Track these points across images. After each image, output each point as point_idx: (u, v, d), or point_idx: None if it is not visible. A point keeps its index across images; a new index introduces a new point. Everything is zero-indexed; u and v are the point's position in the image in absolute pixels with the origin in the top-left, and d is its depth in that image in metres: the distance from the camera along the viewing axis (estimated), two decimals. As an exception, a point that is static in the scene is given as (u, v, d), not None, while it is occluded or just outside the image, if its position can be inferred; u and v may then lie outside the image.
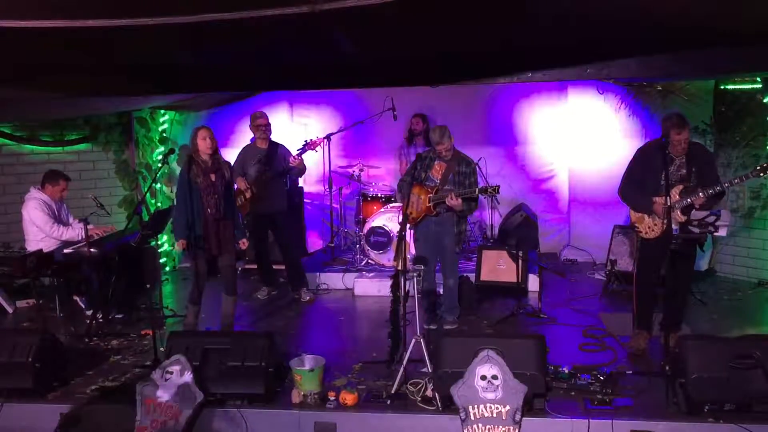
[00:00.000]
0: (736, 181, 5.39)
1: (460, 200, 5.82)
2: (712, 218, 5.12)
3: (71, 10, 3.42)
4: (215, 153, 5.78)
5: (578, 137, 8.76)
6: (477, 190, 5.88)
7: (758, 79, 7.21)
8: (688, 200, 5.11)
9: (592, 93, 8.37)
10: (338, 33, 3.97)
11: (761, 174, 5.01)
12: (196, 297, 5.92)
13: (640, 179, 5.40)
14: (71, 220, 6.86)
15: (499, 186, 5.91)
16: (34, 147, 8.06)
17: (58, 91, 5.55)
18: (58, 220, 6.71)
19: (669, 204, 4.77)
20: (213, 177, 5.73)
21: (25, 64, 4.67)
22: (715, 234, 5.24)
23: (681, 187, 5.21)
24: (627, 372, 5.02)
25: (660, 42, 4.48)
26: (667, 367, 4.55)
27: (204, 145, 5.68)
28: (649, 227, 5.39)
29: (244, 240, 5.97)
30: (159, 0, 3.36)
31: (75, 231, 6.61)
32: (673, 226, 5.02)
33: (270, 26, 3.59)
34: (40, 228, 6.55)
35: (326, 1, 3.25)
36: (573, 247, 8.85)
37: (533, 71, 4.90)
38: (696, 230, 5.18)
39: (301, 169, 7.20)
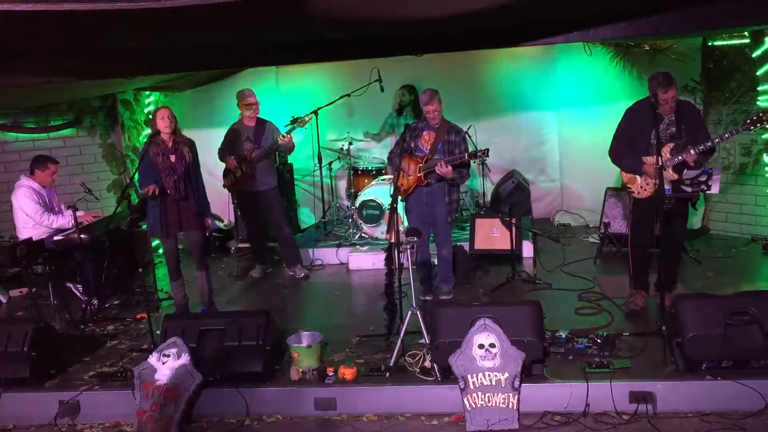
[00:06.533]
0: (726, 136, 5.35)
1: (450, 168, 5.77)
2: (704, 176, 5.10)
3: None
4: (175, 133, 5.75)
5: (567, 101, 8.71)
6: (466, 155, 5.84)
7: (746, 34, 7.14)
8: (680, 158, 5.09)
9: (580, 55, 8.28)
10: (319, 21, 3.93)
11: (751, 128, 5.00)
12: (173, 273, 6.02)
13: (630, 139, 5.37)
14: (63, 207, 6.79)
15: (488, 149, 5.86)
16: (19, 134, 7.96)
17: (38, 76, 5.48)
18: (49, 207, 6.64)
19: (660, 164, 4.74)
20: (173, 158, 5.70)
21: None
22: (708, 192, 5.22)
23: (671, 145, 5.18)
24: (624, 334, 5.03)
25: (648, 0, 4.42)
26: (663, 327, 4.57)
27: (162, 124, 5.67)
28: (641, 187, 5.37)
29: (208, 219, 5.99)
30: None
31: (66, 218, 6.55)
32: (666, 186, 4.99)
33: (252, 8, 3.52)
34: (30, 216, 6.49)
35: None
36: (566, 211, 8.84)
37: (517, 38, 4.84)
38: (689, 189, 5.16)
39: (290, 147, 7.13)
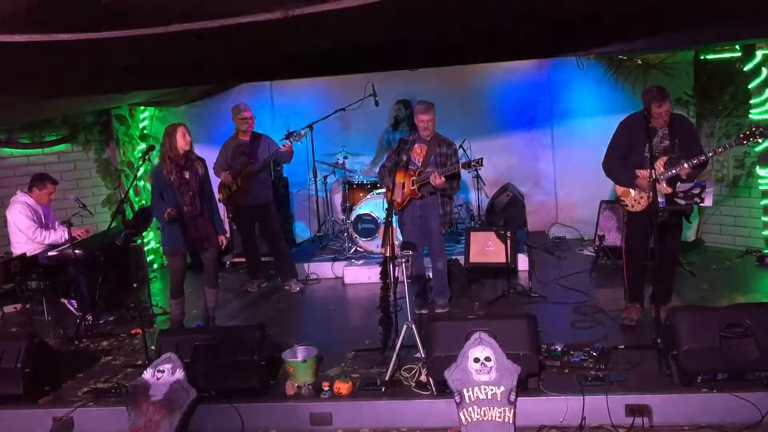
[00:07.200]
0: (719, 150, 5.42)
1: (443, 179, 5.80)
2: (697, 189, 5.12)
3: (43, 25, 3.37)
4: (190, 150, 5.75)
5: (561, 114, 8.75)
6: (460, 165, 5.86)
7: (737, 47, 7.20)
8: (673, 171, 5.12)
9: (573, 70, 8.33)
10: (313, 34, 3.94)
11: (744, 142, 5.03)
12: (176, 291, 5.96)
13: (624, 152, 5.39)
14: (57, 224, 6.78)
15: (482, 158, 5.88)
16: (13, 150, 7.95)
17: (32, 95, 5.50)
18: (44, 223, 6.64)
19: (654, 176, 4.76)
20: (187, 174, 5.69)
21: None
22: (702, 204, 5.24)
23: (665, 158, 5.21)
24: (619, 347, 5.03)
25: (641, 16, 4.46)
26: (658, 340, 4.57)
27: (184, 141, 5.65)
28: (635, 200, 5.38)
29: (222, 237, 5.96)
30: (129, 14, 3.32)
31: (58, 234, 6.55)
32: (659, 199, 5.01)
33: (244, 30, 3.55)
34: (23, 232, 6.48)
35: (299, 6, 3.21)
36: (561, 224, 8.85)
37: (510, 53, 4.87)
38: (682, 202, 5.18)
39: (290, 153, 7.18)
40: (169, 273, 6.01)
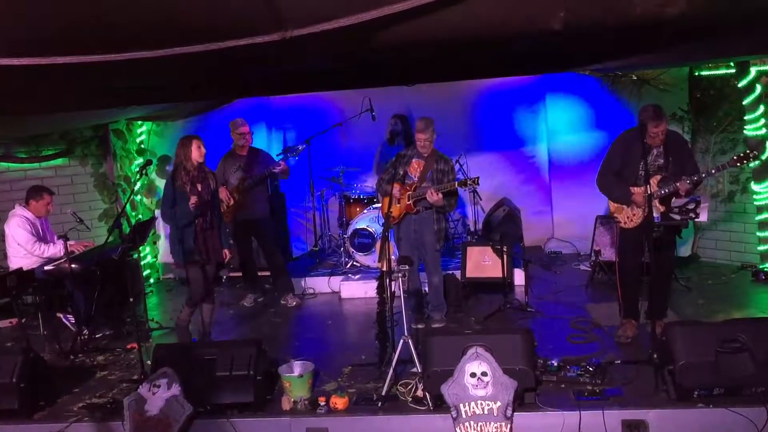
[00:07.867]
0: (714, 171, 5.47)
1: (440, 195, 5.82)
2: (692, 204, 5.15)
3: (42, 48, 3.39)
4: (203, 162, 5.76)
5: (557, 129, 8.79)
6: (457, 183, 5.89)
7: (732, 64, 7.26)
8: (669, 189, 5.13)
9: (569, 84, 8.38)
10: (311, 54, 3.97)
11: (738, 164, 5.08)
12: (194, 300, 5.92)
13: (619, 169, 5.41)
14: (55, 238, 6.78)
15: (478, 177, 5.91)
16: (10, 164, 7.95)
17: (30, 113, 5.51)
18: (42, 237, 6.63)
19: (649, 192, 4.79)
20: (200, 187, 5.70)
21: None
22: (696, 219, 5.26)
23: (659, 177, 5.23)
24: (616, 362, 5.03)
25: (636, 36, 4.50)
26: (654, 355, 4.57)
27: (198, 153, 5.68)
28: (628, 217, 5.40)
29: (226, 250, 5.98)
30: (126, 37, 3.34)
31: (57, 248, 6.54)
32: (654, 214, 5.03)
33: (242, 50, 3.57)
34: (21, 245, 6.47)
35: (297, 27, 3.22)
36: (557, 239, 8.87)
37: (508, 68, 4.89)
38: (677, 217, 5.20)
39: (286, 171, 7.19)
40: (190, 283, 5.92)
